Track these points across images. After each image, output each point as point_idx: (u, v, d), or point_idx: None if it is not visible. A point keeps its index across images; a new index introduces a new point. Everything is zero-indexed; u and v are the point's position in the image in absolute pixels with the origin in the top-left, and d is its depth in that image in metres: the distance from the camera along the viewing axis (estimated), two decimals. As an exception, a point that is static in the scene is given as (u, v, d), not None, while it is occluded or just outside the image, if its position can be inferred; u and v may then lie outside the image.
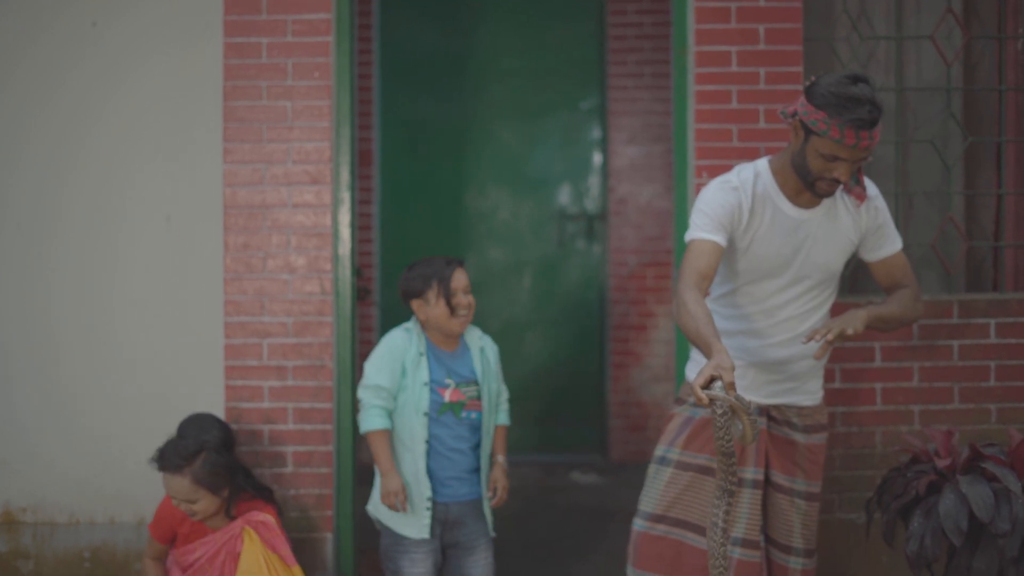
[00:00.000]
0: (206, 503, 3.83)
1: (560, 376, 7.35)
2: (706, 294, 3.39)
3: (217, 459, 3.87)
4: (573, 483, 6.86)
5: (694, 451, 3.57)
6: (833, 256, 3.50)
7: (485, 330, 4.17)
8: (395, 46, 7.33)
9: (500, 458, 3.95)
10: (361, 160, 7.21)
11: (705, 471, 3.55)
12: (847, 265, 4.38)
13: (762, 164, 3.50)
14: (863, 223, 3.53)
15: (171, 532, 3.93)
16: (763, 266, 3.48)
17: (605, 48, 7.27)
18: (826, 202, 3.48)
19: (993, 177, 4.84)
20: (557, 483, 6.88)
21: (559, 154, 7.37)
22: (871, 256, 3.59)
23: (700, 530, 3.57)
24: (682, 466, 3.58)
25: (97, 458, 4.48)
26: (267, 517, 3.85)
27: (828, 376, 4.50)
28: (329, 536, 4.38)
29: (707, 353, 3.08)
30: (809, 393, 3.63)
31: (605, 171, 7.28)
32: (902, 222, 4.75)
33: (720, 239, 3.38)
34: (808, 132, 3.30)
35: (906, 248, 4.76)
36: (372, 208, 7.26)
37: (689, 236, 3.41)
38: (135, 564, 4.45)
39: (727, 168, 4.37)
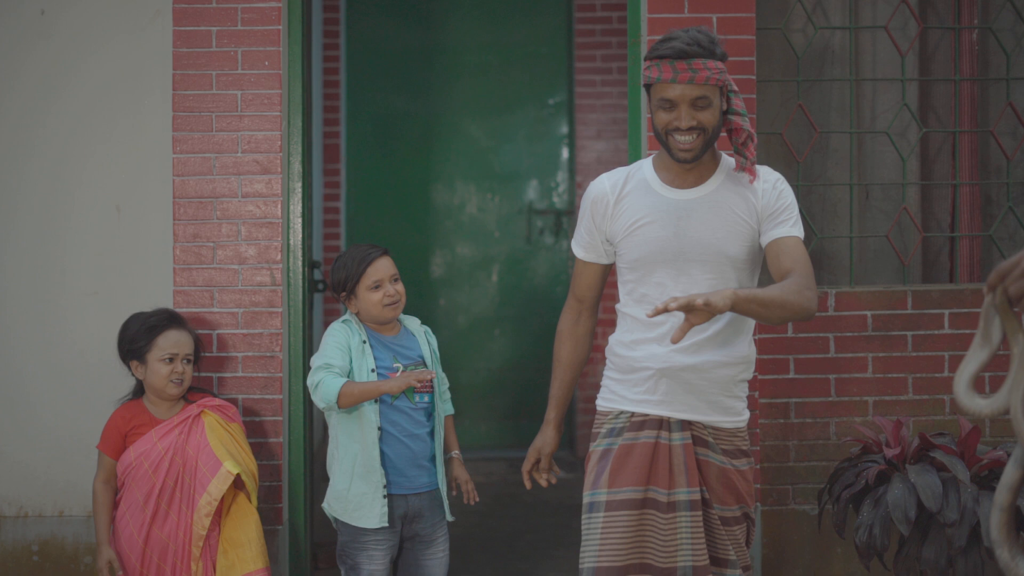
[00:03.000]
0: (191, 370, 3.98)
1: (527, 371, 7.32)
2: (591, 317, 3.47)
3: (197, 335, 4.09)
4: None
5: (621, 485, 3.19)
6: (722, 237, 3.17)
7: (452, 326, 4.15)
8: (362, 41, 7.31)
9: (455, 453, 3.93)
10: (328, 155, 7.19)
11: (639, 505, 3.18)
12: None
13: (649, 159, 3.34)
14: (759, 204, 3.20)
15: (120, 440, 3.92)
16: (647, 250, 3.20)
17: (572, 43, 7.25)
18: (712, 181, 3.22)
19: (948, 168, 4.83)
20: (523, 479, 6.84)
21: (526, 149, 7.35)
22: (763, 239, 3.22)
23: (661, 572, 3.17)
24: (614, 506, 3.19)
25: (47, 450, 4.44)
26: (225, 402, 4.03)
27: (781, 367, 4.49)
28: (280, 529, 4.35)
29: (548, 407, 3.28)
30: (727, 413, 3.25)
31: (572, 166, 7.27)
32: (856, 212, 4.74)
33: (591, 255, 3.35)
34: (648, 93, 3.18)
35: (861, 239, 4.76)
36: (339, 203, 7.24)
37: (572, 249, 3.42)
38: (85, 557, 4.42)
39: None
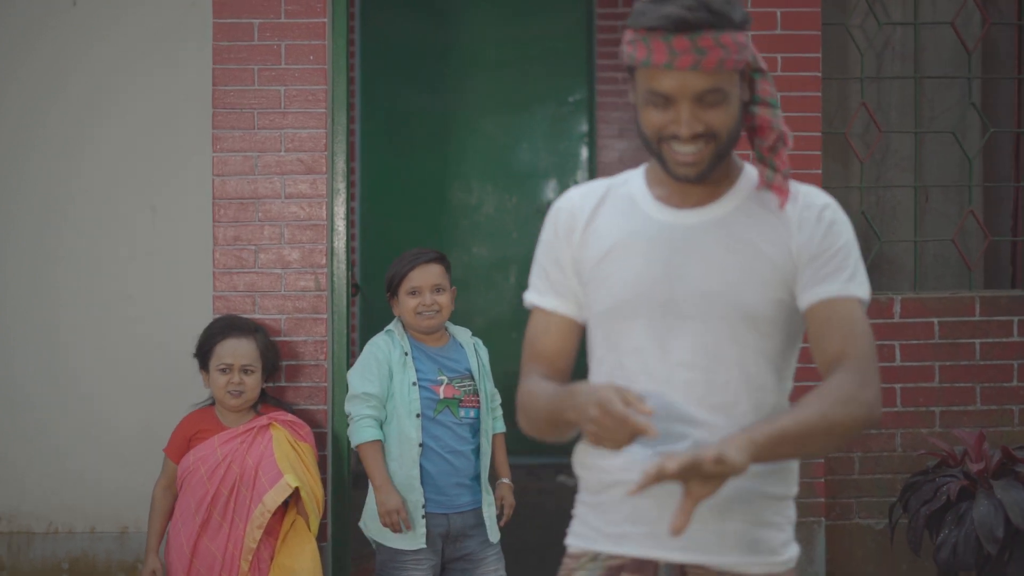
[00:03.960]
0: (255, 380, 3.78)
1: (547, 376, 7.16)
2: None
3: (270, 343, 3.92)
4: (560, 486, 6.68)
5: None
6: (735, 281, 2.06)
7: (469, 328, 3.96)
8: (377, 36, 7.13)
9: (505, 480, 3.77)
10: (341, 153, 7.00)
11: None
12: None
13: (640, 168, 2.25)
14: (797, 240, 2.07)
15: (185, 444, 3.77)
16: (621, 295, 2.11)
17: (593, 39, 7.09)
18: (728, 200, 2.11)
19: (1011, 169, 4.68)
20: (544, 486, 6.70)
21: (545, 148, 7.18)
22: (801, 299, 2.07)
23: None
24: None
25: (79, 464, 4.24)
26: (298, 419, 3.85)
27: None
28: (325, 546, 4.16)
29: (571, 401, 1.98)
30: (754, 551, 2.07)
31: (593, 166, 7.10)
32: (919, 216, 4.58)
33: (565, 303, 2.18)
34: (632, 78, 2.10)
35: (922, 243, 4.59)
36: (353, 202, 7.05)
37: (527, 300, 2.25)
38: (118, 575, 4.22)
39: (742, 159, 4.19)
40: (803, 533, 4.23)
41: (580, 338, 2.21)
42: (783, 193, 2.08)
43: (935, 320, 4.35)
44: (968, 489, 3.77)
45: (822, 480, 4.25)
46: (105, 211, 4.28)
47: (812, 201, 2.10)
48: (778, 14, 4.20)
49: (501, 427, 3.80)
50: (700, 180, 2.07)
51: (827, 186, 4.42)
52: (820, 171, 4.22)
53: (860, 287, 2.05)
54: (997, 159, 4.71)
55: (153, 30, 4.26)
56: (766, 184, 2.09)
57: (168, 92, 4.26)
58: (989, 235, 4.55)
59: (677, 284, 2.07)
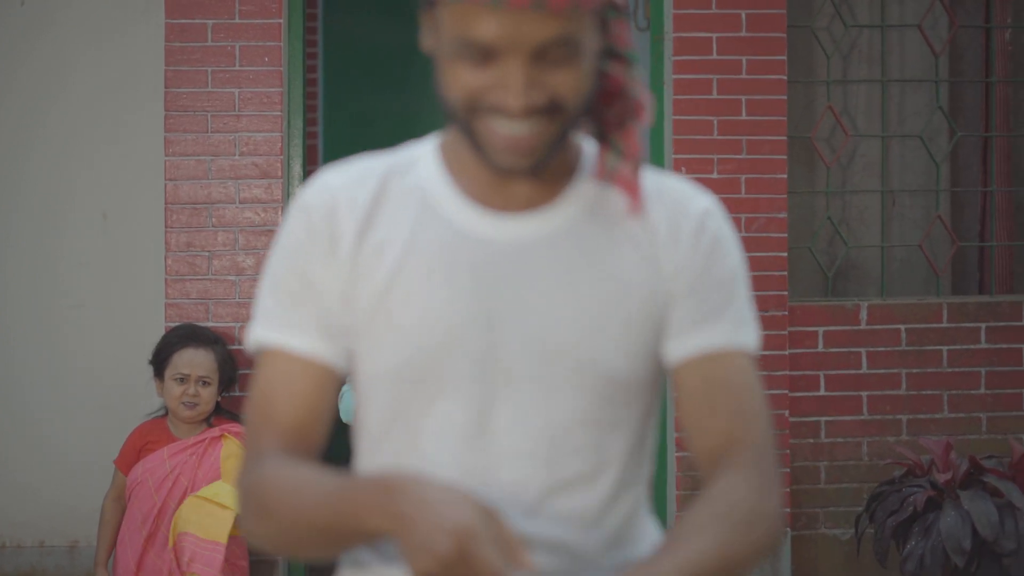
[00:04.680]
0: (210, 393, 3.69)
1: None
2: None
3: (229, 355, 3.80)
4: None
5: None
6: (591, 325, 1.40)
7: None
8: (341, 37, 7.03)
9: None
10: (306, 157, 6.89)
11: None
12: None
13: (431, 142, 1.50)
14: (672, 260, 1.43)
15: (135, 456, 3.67)
16: (421, 347, 1.39)
17: (560, 41, 6.99)
18: (569, 202, 1.44)
19: (979, 173, 4.62)
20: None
21: (512, 151, 7.10)
22: (672, 347, 1.43)
23: None
24: None
25: (27, 476, 4.12)
26: None
27: (811, 384, 4.25)
28: (279, 561, 4.06)
29: (381, 502, 1.26)
30: None
31: (560, 169, 7.02)
32: (886, 221, 4.51)
33: (318, 343, 1.42)
34: (431, 14, 1.40)
35: (889, 249, 4.53)
36: (316, 207, 6.96)
37: (252, 338, 1.45)
38: (67, 591, 4.11)
39: (707, 164, 4.12)
40: (769, 544, 4.15)
41: (336, 393, 1.46)
42: (632, 190, 1.40)
43: (902, 327, 4.28)
44: (935, 499, 3.70)
45: (787, 490, 4.18)
46: (54, 216, 4.18)
47: (687, 203, 1.44)
48: (743, 16, 4.13)
49: None
50: (535, 172, 1.38)
51: (793, 191, 4.36)
52: (786, 175, 4.15)
53: (751, 333, 1.44)
54: (965, 163, 4.64)
55: (103, 31, 4.16)
56: (607, 175, 1.40)
57: (119, 95, 4.16)
58: (957, 240, 4.49)
59: (503, 331, 1.38)
